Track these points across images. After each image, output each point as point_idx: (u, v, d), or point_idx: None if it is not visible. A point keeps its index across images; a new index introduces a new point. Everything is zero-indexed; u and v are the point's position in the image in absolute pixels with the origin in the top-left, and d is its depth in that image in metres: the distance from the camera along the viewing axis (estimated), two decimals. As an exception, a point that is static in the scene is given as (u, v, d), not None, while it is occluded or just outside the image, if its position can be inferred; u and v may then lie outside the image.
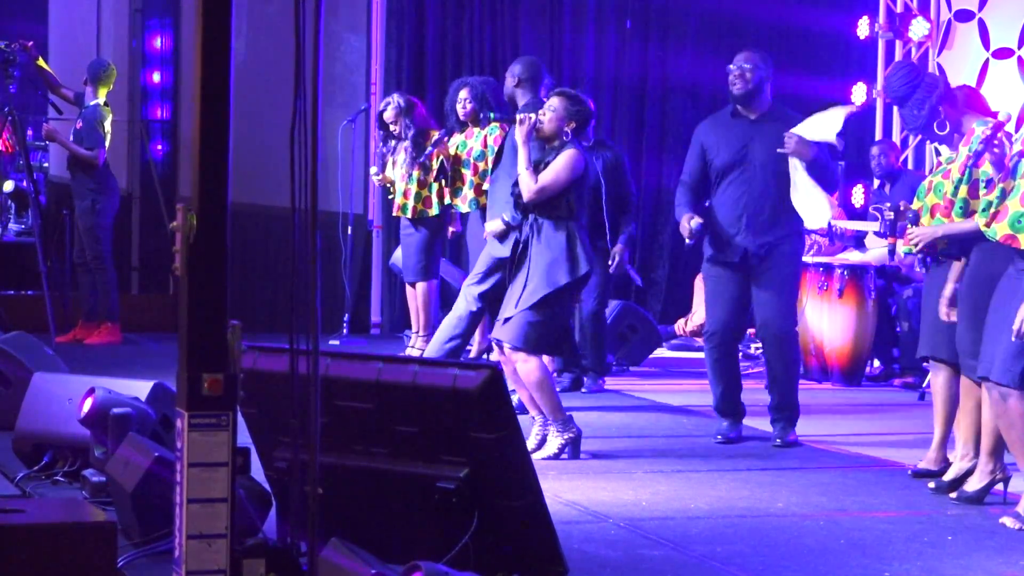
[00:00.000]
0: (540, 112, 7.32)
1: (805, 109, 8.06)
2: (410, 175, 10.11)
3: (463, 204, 9.85)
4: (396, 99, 10.36)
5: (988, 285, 6.25)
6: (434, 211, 10.06)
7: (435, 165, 9.97)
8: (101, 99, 11.21)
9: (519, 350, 7.10)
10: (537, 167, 7.20)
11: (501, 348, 7.20)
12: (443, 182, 9.95)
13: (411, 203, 10.12)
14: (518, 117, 7.33)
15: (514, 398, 6.75)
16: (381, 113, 10.44)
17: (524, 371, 7.15)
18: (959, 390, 6.71)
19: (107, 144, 11.20)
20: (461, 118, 9.78)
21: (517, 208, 7.37)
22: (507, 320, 7.16)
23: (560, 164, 7.16)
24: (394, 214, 10.51)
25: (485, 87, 9.79)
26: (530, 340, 7.09)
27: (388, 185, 10.46)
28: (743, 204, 7.84)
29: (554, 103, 7.28)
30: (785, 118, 7.89)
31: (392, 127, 10.32)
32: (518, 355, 7.13)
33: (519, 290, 7.14)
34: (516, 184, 7.30)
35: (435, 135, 9.98)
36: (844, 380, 10.10)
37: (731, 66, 7.94)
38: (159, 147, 14.68)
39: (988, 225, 6.07)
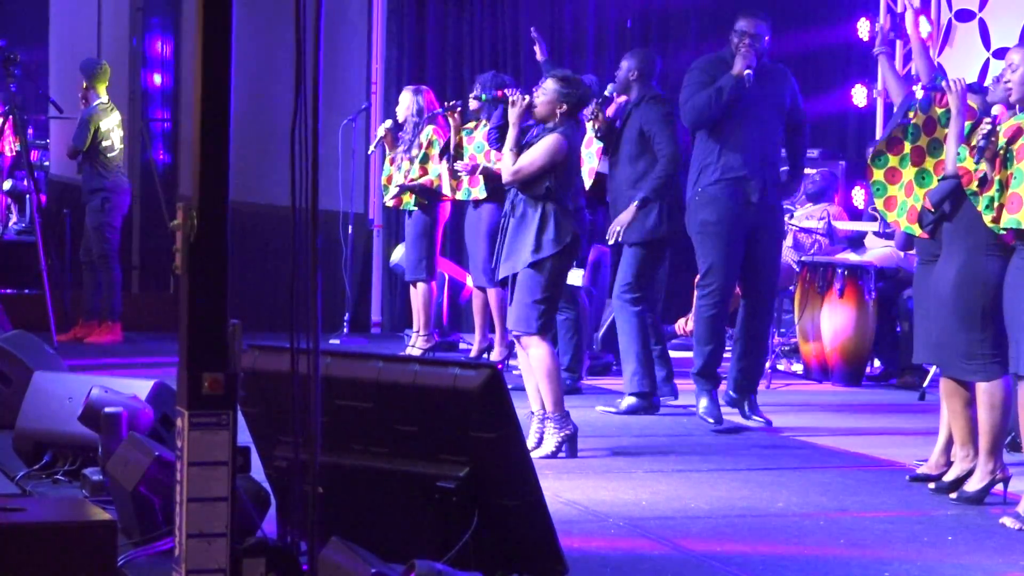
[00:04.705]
0: (535, 93, 7.36)
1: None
2: (399, 167, 10.23)
3: (459, 192, 9.94)
4: (412, 99, 10.41)
5: (981, 286, 6.24)
6: (446, 191, 10.12)
7: (424, 140, 10.13)
8: (103, 97, 11.20)
9: (531, 335, 7.18)
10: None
11: (518, 338, 7.32)
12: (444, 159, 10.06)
13: (394, 191, 10.28)
14: (511, 97, 7.37)
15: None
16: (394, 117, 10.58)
17: (535, 357, 7.22)
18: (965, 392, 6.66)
19: (109, 142, 11.15)
20: (471, 110, 9.91)
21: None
22: (509, 306, 7.33)
23: (539, 149, 7.21)
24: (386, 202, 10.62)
25: (495, 81, 9.86)
26: (534, 323, 7.18)
27: (388, 185, 10.49)
28: None
29: (548, 85, 7.33)
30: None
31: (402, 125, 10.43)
32: (530, 340, 7.21)
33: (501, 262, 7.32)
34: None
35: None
36: (844, 380, 10.09)
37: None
38: (159, 147, 14.67)
39: (996, 220, 6.03)
